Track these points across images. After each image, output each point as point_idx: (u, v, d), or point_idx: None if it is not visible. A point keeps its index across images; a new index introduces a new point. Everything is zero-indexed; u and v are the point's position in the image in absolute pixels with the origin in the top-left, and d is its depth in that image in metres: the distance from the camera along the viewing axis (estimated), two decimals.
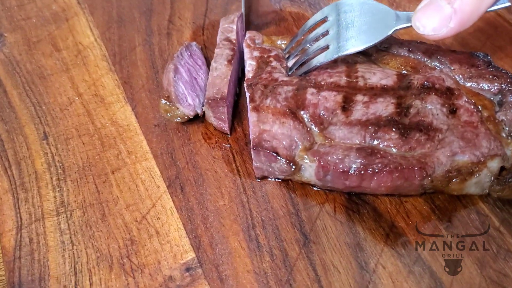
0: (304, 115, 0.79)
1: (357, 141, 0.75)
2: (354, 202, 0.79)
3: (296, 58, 0.87)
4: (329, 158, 0.74)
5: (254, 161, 0.79)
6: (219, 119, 0.85)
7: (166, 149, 0.86)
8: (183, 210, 0.79)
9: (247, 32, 0.95)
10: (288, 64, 0.88)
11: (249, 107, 0.81)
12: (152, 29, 1.07)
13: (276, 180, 0.81)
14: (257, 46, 0.91)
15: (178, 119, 0.86)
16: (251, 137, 0.79)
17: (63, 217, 0.79)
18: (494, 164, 0.73)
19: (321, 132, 0.77)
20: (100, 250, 0.75)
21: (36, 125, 0.91)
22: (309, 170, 0.76)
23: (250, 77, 0.86)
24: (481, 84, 0.81)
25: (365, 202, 0.79)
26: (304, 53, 0.85)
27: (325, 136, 0.76)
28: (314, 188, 0.80)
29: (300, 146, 0.77)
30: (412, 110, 0.77)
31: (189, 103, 0.86)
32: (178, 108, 0.85)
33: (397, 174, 0.72)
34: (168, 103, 0.86)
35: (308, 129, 0.78)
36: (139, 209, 0.79)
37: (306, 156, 0.76)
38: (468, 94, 0.80)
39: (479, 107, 0.78)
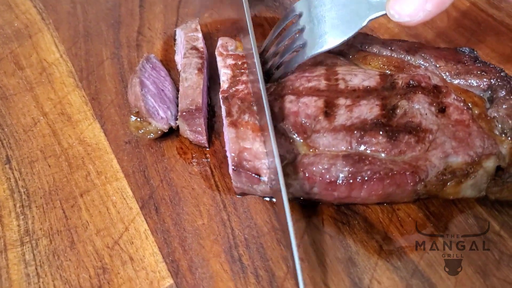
0: (285, 127, 0.73)
1: (343, 148, 0.70)
2: (343, 213, 0.73)
3: (271, 61, 0.82)
4: (314, 168, 0.69)
5: (233, 181, 0.73)
6: (196, 132, 0.79)
7: (138, 167, 0.80)
8: (159, 232, 0.72)
9: (219, 39, 0.89)
10: (263, 68, 0.82)
11: (225, 121, 0.75)
12: (121, 42, 1.01)
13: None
14: (230, 53, 0.86)
15: (151, 136, 0.81)
16: (229, 155, 0.74)
17: (28, 247, 0.72)
18: (490, 164, 0.69)
19: (304, 141, 0.71)
20: (69, 281, 0.69)
21: None
22: (295, 186, 0.71)
23: (225, 88, 0.80)
24: (469, 81, 0.77)
25: (355, 212, 0.73)
26: (280, 55, 0.80)
27: (308, 145, 0.71)
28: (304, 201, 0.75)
29: (284, 162, 0.71)
30: (398, 111, 0.71)
31: (161, 117, 0.80)
32: (150, 123, 0.79)
33: (388, 181, 0.67)
34: (138, 119, 0.80)
35: (291, 140, 0.72)
36: (111, 234, 0.73)
37: (289, 172, 0.70)
38: (457, 92, 0.75)
39: (469, 104, 0.74)
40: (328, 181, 0.68)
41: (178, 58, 0.93)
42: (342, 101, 0.73)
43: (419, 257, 0.69)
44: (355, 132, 0.70)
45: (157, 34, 1.03)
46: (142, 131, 0.80)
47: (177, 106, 0.83)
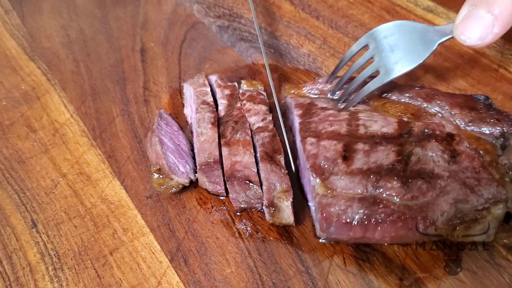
0: (282, 159, 0.81)
1: (359, 190, 0.75)
2: (363, 251, 0.78)
3: (342, 90, 0.91)
4: (331, 209, 0.74)
5: (230, 193, 0.81)
6: (215, 183, 0.84)
7: (162, 221, 0.84)
8: (190, 283, 0.76)
9: (213, 74, 1.00)
10: (333, 97, 0.92)
11: (221, 143, 0.84)
12: (128, 98, 1.06)
13: (279, 237, 0.80)
14: (228, 84, 0.96)
15: (173, 190, 0.85)
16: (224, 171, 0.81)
17: None
18: (498, 210, 0.73)
19: (322, 183, 0.76)
20: None
21: (22, 213, 0.87)
22: (286, 212, 0.77)
23: (222, 116, 0.90)
24: (482, 128, 0.82)
25: (373, 249, 0.78)
26: (352, 83, 0.88)
27: (327, 187, 0.76)
28: (321, 241, 0.79)
29: (278, 188, 0.77)
30: (413, 158, 0.77)
31: (181, 171, 0.85)
32: (172, 179, 0.84)
33: (400, 224, 0.72)
34: (161, 176, 0.85)
35: (285, 172, 0.79)
36: None
37: (283, 198, 0.76)
38: (470, 139, 0.80)
39: (481, 152, 0.79)
40: (344, 222, 0.73)
41: (188, 111, 0.98)
42: (360, 146, 0.79)
43: (437, 286, 0.74)
44: (371, 176, 0.75)
45: (162, 88, 1.07)
46: (164, 186, 0.85)
47: (193, 158, 0.88)
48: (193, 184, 0.88)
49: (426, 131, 0.80)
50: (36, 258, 0.81)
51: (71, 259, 0.80)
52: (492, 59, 1.07)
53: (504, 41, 1.10)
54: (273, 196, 0.78)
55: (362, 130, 0.81)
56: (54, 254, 0.81)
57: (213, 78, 0.99)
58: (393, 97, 0.89)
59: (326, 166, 0.77)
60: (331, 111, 0.86)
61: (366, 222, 0.72)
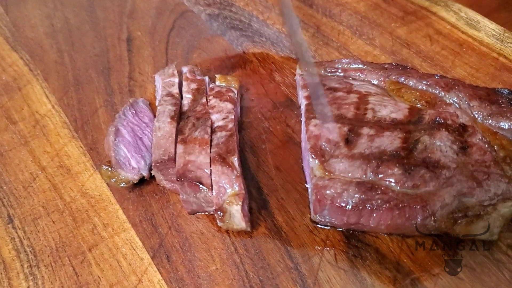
0: (235, 161, 0.76)
1: (357, 175, 0.71)
2: (355, 246, 0.74)
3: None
4: (326, 192, 0.70)
5: (180, 193, 0.76)
6: (172, 181, 0.80)
7: (145, 216, 0.80)
8: (173, 281, 0.72)
9: (186, 66, 0.96)
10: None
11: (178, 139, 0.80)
12: (113, 88, 1.01)
13: (268, 232, 0.76)
14: (197, 78, 0.91)
15: (123, 184, 0.81)
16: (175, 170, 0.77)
17: None
18: (506, 209, 0.68)
19: (321, 165, 0.73)
20: None
21: None
22: (237, 216, 0.73)
23: (185, 111, 0.86)
24: (501, 123, 0.77)
25: (366, 244, 0.74)
26: None
27: (325, 169, 0.72)
28: (315, 234, 0.75)
29: (228, 192, 0.73)
30: (419, 146, 0.73)
31: (132, 167, 0.81)
32: (120, 174, 0.80)
33: (397, 212, 0.68)
34: (109, 168, 0.81)
35: (238, 174, 0.74)
36: (125, 287, 0.72)
37: (233, 202, 0.72)
38: (485, 133, 0.76)
39: (495, 146, 0.75)
40: (338, 205, 0.69)
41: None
42: (366, 130, 0.75)
43: (433, 284, 0.69)
44: (372, 161, 0.72)
45: (148, 78, 1.03)
46: (114, 180, 0.81)
47: None
48: None
49: (437, 119, 0.76)
50: (11, 255, 0.77)
51: (48, 256, 0.76)
52: (492, 47, 1.03)
53: (504, 29, 1.06)
54: (223, 200, 0.73)
55: (369, 115, 0.78)
56: (30, 251, 0.77)
57: (184, 69, 0.95)
58: (410, 83, 0.85)
59: (327, 149, 0.74)
60: (340, 93, 0.82)
61: (361, 207, 0.69)
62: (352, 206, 0.69)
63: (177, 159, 0.77)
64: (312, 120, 0.78)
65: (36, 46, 1.13)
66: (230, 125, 0.82)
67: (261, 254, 0.74)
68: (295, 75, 1.01)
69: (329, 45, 1.07)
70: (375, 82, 0.87)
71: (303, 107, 0.83)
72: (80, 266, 0.75)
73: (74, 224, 0.80)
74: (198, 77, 0.93)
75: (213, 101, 0.87)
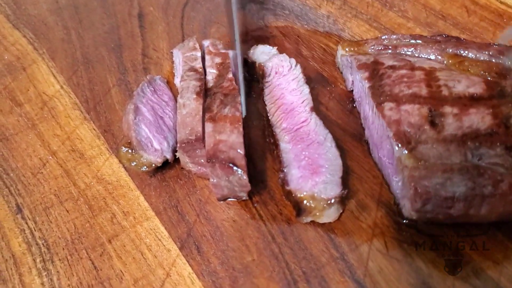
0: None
1: (456, 160, 0.63)
2: (407, 232, 0.66)
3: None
4: (426, 183, 0.62)
5: (211, 177, 0.68)
6: (198, 164, 0.72)
7: (169, 203, 0.72)
8: (205, 275, 0.64)
9: (208, 39, 0.88)
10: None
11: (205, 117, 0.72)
12: (126, 66, 0.93)
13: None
14: (220, 51, 0.83)
15: (145, 168, 0.73)
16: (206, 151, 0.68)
17: None
18: None
19: (410, 153, 0.64)
20: None
21: (5, 197, 0.75)
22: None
23: (210, 87, 0.77)
24: None
25: (418, 230, 0.66)
26: None
27: (416, 157, 0.64)
28: (361, 221, 0.67)
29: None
30: None
31: (155, 148, 0.73)
32: (142, 156, 0.72)
33: (511, 197, 0.60)
34: (129, 150, 0.73)
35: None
36: (151, 282, 0.64)
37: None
38: None
39: None
40: (444, 197, 0.61)
41: (178, 81, 0.86)
42: (448, 109, 0.67)
43: (499, 273, 0.62)
44: (469, 143, 0.64)
45: (163, 55, 0.95)
46: (134, 163, 0.73)
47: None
48: None
49: None
50: (21, 249, 0.69)
51: (63, 248, 0.68)
52: None
53: None
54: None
55: (445, 91, 0.69)
56: (43, 244, 0.69)
57: (206, 43, 0.87)
58: (470, 55, 0.77)
59: (411, 134, 0.66)
60: (403, 71, 0.74)
61: (470, 197, 0.61)
62: (460, 196, 0.61)
63: (206, 138, 0.69)
64: (385, 103, 0.70)
65: (40, 23, 1.04)
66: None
67: (302, 243, 0.66)
68: (323, 49, 0.93)
69: (358, 17, 0.99)
70: (432, 57, 0.78)
71: (365, 90, 0.74)
72: (99, 259, 0.67)
73: (90, 213, 0.72)
74: (222, 51, 0.85)
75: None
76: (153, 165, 0.72)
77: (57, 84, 0.91)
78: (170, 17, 1.03)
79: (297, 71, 0.83)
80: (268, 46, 0.89)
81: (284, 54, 0.86)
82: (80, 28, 1.03)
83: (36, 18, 1.06)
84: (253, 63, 0.86)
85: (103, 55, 0.96)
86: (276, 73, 0.84)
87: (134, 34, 1.00)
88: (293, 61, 0.85)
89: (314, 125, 0.75)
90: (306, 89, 0.80)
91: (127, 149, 0.73)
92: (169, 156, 0.73)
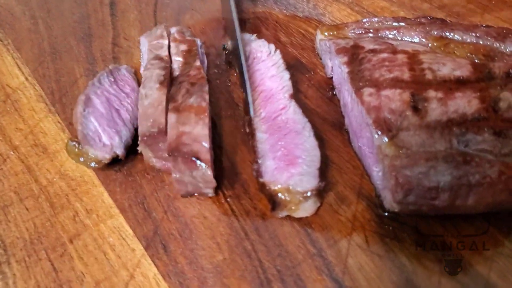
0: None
1: (441, 147, 0.59)
2: (388, 226, 0.62)
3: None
4: (408, 173, 0.58)
5: (173, 172, 0.63)
6: (162, 158, 0.67)
7: (135, 199, 0.67)
8: (172, 275, 0.59)
9: (175, 27, 0.83)
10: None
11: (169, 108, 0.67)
12: (95, 56, 0.88)
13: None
14: (187, 38, 0.79)
15: (94, 164, 0.68)
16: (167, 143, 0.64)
17: None
18: None
19: (391, 141, 0.60)
20: None
21: None
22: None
23: (176, 76, 0.73)
24: None
25: (401, 223, 0.62)
26: None
27: (397, 145, 0.59)
28: (340, 214, 0.63)
29: None
30: (501, 104, 0.62)
31: (104, 143, 0.68)
32: (88, 151, 0.67)
33: (500, 186, 0.56)
34: (76, 144, 0.68)
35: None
36: (114, 284, 0.59)
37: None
38: None
39: None
40: (428, 187, 0.57)
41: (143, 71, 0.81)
42: (432, 93, 0.63)
43: (488, 269, 0.58)
44: (455, 128, 0.60)
45: (135, 44, 0.90)
46: (82, 158, 0.68)
47: (135, 129, 0.72)
48: None
49: (511, 72, 0.64)
50: None
51: (21, 249, 0.63)
52: None
53: None
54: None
55: (429, 75, 0.65)
56: (0, 244, 0.64)
57: (172, 30, 0.82)
58: (456, 37, 0.73)
59: (392, 120, 0.61)
60: (385, 54, 0.70)
61: (456, 187, 0.57)
62: (445, 186, 0.57)
63: (168, 130, 0.64)
64: (365, 89, 0.65)
65: (5, 13, 0.99)
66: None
67: (277, 239, 0.62)
68: (302, 34, 0.89)
69: (340, 1, 0.95)
70: (415, 40, 0.74)
71: (344, 75, 0.70)
72: (59, 260, 0.62)
73: (52, 211, 0.67)
74: (188, 38, 0.80)
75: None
76: (101, 161, 0.68)
77: (22, 76, 0.86)
78: (143, 4, 0.99)
79: (277, 56, 0.79)
80: (246, 33, 0.85)
81: (262, 39, 0.81)
82: (48, 17, 0.98)
83: (2, 8, 1.01)
84: (230, 50, 0.81)
85: (71, 45, 0.91)
86: (254, 58, 0.79)
87: (105, 22, 0.95)
88: (272, 46, 0.80)
89: (292, 113, 0.70)
90: (286, 75, 0.75)
91: (74, 143, 0.69)
92: (120, 152, 0.68)
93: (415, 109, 0.62)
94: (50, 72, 0.86)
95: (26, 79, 0.85)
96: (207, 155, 0.62)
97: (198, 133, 0.63)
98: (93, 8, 0.99)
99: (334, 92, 0.78)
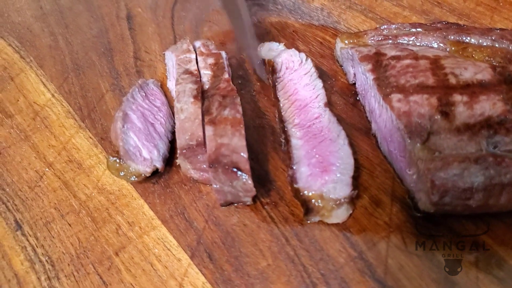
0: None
1: (472, 150, 0.61)
2: (424, 226, 0.64)
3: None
4: (443, 175, 0.60)
5: (213, 182, 0.65)
6: (201, 170, 0.69)
7: (175, 210, 0.69)
8: (220, 283, 0.62)
9: (199, 40, 0.86)
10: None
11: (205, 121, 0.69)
12: (118, 71, 0.90)
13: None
14: (212, 52, 0.81)
15: (134, 178, 0.70)
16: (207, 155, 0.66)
17: None
18: None
19: (423, 145, 0.62)
20: None
21: (3, 213, 0.72)
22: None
23: (206, 89, 0.75)
24: None
25: (436, 223, 0.64)
26: None
27: (430, 149, 0.62)
28: (376, 217, 0.65)
29: None
30: None
31: (144, 158, 0.71)
32: (130, 166, 0.70)
33: None
34: (117, 160, 0.70)
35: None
36: None
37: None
38: None
39: None
40: (463, 188, 0.60)
41: (171, 85, 0.83)
42: (457, 97, 0.65)
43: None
44: (483, 131, 0.62)
45: (156, 57, 0.92)
46: (123, 173, 0.70)
47: (169, 142, 0.74)
48: None
49: None
50: (24, 267, 0.66)
51: (68, 264, 0.65)
52: None
53: None
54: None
55: (453, 80, 0.68)
56: (47, 260, 0.66)
57: (197, 44, 0.84)
58: (473, 41, 0.75)
59: (422, 125, 0.64)
60: (407, 61, 0.72)
61: (489, 187, 0.60)
62: (479, 186, 0.59)
63: (207, 143, 0.66)
64: (393, 95, 0.68)
65: (25, 31, 1.01)
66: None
67: (317, 244, 0.64)
68: (320, 42, 0.91)
69: (353, 8, 0.97)
70: (434, 45, 0.77)
71: (370, 82, 0.72)
72: (107, 273, 0.64)
73: (94, 226, 0.69)
74: (214, 51, 0.82)
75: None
76: (142, 175, 0.70)
77: (48, 93, 0.88)
78: (159, 17, 1.00)
79: (308, 65, 0.81)
80: (275, 42, 0.87)
81: (293, 49, 0.83)
82: (67, 33, 0.99)
83: (21, 26, 1.02)
84: (262, 60, 0.83)
85: (93, 60, 0.93)
86: (286, 68, 0.81)
87: (124, 37, 0.97)
88: (303, 55, 0.82)
89: (327, 122, 0.73)
90: (319, 84, 0.78)
91: (114, 158, 0.71)
92: (159, 165, 0.71)
93: (443, 113, 0.64)
94: (76, 88, 0.88)
95: (53, 95, 0.87)
96: (246, 165, 0.64)
97: (236, 144, 0.66)
98: (110, 23, 1.00)
99: (357, 98, 0.81)
